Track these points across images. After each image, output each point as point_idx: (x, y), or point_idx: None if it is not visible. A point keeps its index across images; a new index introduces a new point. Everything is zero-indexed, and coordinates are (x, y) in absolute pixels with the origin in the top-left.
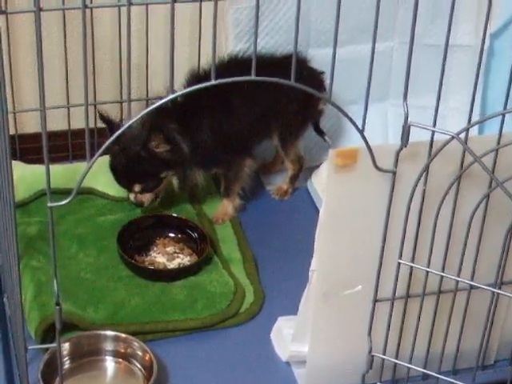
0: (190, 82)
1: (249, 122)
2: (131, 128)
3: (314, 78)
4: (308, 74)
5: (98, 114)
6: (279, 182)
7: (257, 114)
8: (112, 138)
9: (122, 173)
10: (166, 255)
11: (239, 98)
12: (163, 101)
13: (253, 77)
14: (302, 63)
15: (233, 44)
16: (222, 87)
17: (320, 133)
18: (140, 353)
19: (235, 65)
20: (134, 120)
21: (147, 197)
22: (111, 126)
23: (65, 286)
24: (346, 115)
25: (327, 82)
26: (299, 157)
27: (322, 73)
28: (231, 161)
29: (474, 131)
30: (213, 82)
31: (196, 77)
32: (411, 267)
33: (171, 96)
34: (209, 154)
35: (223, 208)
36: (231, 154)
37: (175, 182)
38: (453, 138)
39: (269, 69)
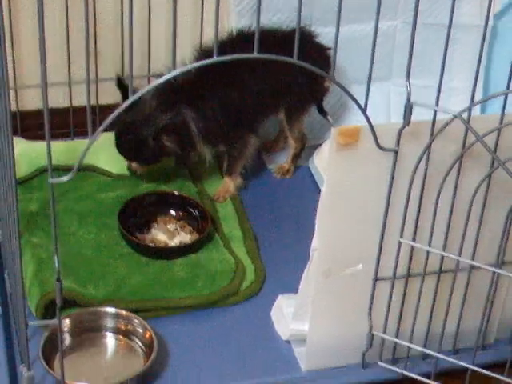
0: (197, 58)
1: (259, 96)
2: (144, 103)
3: (321, 54)
4: (314, 49)
5: (116, 79)
6: (281, 161)
7: (266, 88)
8: (115, 113)
9: (125, 145)
10: (166, 233)
11: (249, 72)
12: (166, 77)
13: (255, 54)
14: (309, 38)
15: (235, 21)
16: (232, 62)
17: (323, 113)
18: (140, 330)
19: (242, 40)
20: (136, 95)
21: (142, 168)
22: (126, 93)
23: (65, 263)
24: (349, 94)
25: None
26: (302, 134)
27: (329, 48)
28: (237, 137)
29: (476, 111)
30: (215, 58)
31: (204, 53)
32: (412, 246)
33: (173, 73)
34: (217, 130)
35: (225, 186)
36: (238, 130)
37: (173, 160)
38: (455, 117)
39: (276, 43)
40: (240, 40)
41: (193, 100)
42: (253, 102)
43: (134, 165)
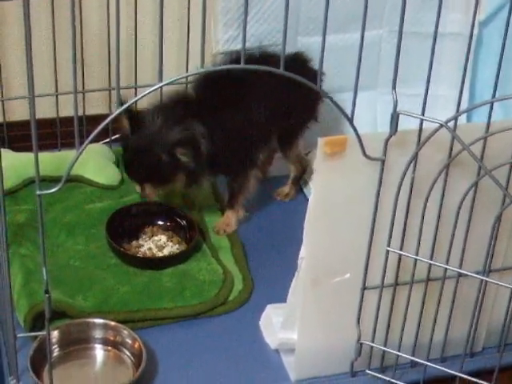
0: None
1: (255, 125)
2: (151, 121)
3: (316, 80)
4: (309, 74)
5: (126, 111)
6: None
7: (261, 117)
8: (101, 126)
9: (137, 169)
10: (154, 243)
11: (246, 97)
12: (152, 89)
13: (241, 65)
14: (304, 63)
15: (222, 32)
16: (243, 89)
17: None
18: (129, 341)
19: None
20: (124, 107)
21: (155, 192)
22: (134, 126)
23: (53, 274)
24: (335, 103)
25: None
26: (300, 158)
27: (323, 74)
28: (240, 169)
29: (462, 119)
30: (200, 70)
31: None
32: (400, 255)
33: (160, 84)
34: (221, 158)
35: (226, 219)
36: (241, 161)
37: (182, 183)
38: (441, 126)
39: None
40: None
41: (201, 117)
42: (253, 128)
43: (148, 189)
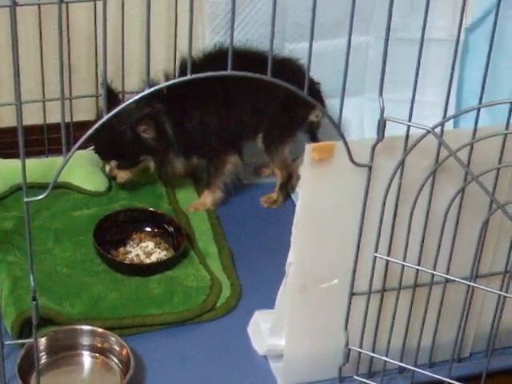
0: (182, 70)
1: (236, 117)
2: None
3: (310, 88)
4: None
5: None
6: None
7: (244, 111)
8: (90, 131)
9: (103, 145)
10: (142, 250)
11: (230, 91)
12: (139, 96)
13: (228, 71)
14: (299, 71)
15: (209, 37)
16: (221, 80)
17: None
18: (117, 347)
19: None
20: (111, 114)
21: (122, 174)
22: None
23: (41, 281)
24: (322, 110)
25: (324, 92)
26: (286, 165)
27: (318, 83)
28: (214, 154)
29: (449, 125)
30: (188, 76)
31: (183, 69)
32: (387, 261)
33: (148, 91)
34: (193, 143)
35: (202, 198)
36: (215, 147)
37: (152, 165)
38: (428, 132)
39: (261, 68)
40: (221, 57)
41: (171, 108)
42: (230, 121)
43: (115, 170)
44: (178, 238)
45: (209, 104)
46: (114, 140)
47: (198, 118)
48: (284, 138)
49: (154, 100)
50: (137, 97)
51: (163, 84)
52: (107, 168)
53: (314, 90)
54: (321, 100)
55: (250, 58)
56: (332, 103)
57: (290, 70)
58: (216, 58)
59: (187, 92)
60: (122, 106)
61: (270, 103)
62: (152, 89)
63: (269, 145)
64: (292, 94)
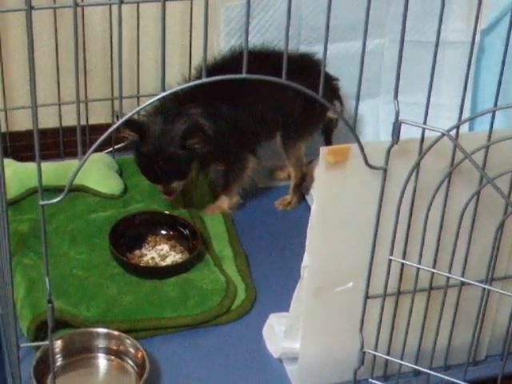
0: (196, 77)
1: (259, 117)
2: (156, 126)
3: (327, 84)
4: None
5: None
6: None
7: (268, 108)
8: (104, 136)
9: (159, 173)
10: (157, 252)
11: (255, 89)
12: (155, 98)
13: (244, 74)
14: (316, 67)
15: (224, 41)
16: (243, 82)
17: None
18: (132, 350)
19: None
20: (127, 116)
21: (176, 187)
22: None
23: (56, 284)
24: (338, 113)
25: (342, 88)
26: (301, 163)
27: (336, 79)
28: (237, 157)
29: (464, 127)
30: (204, 79)
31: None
32: (402, 264)
33: (163, 94)
34: (219, 147)
35: (219, 201)
36: (239, 149)
37: (194, 169)
38: (443, 134)
39: (279, 67)
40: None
41: (202, 103)
42: (254, 121)
43: (175, 184)
44: (194, 241)
45: (239, 103)
46: (168, 163)
47: (226, 119)
48: (303, 134)
49: (186, 106)
50: (138, 108)
51: (176, 88)
52: (160, 188)
53: (332, 86)
54: (338, 97)
55: (267, 59)
56: (347, 106)
57: (308, 66)
58: (233, 60)
59: (216, 93)
60: (137, 109)
61: (291, 99)
62: (167, 92)
63: (287, 140)
64: (311, 89)
